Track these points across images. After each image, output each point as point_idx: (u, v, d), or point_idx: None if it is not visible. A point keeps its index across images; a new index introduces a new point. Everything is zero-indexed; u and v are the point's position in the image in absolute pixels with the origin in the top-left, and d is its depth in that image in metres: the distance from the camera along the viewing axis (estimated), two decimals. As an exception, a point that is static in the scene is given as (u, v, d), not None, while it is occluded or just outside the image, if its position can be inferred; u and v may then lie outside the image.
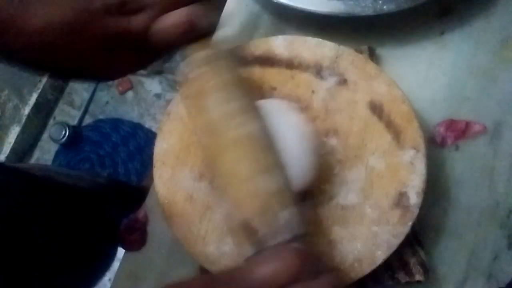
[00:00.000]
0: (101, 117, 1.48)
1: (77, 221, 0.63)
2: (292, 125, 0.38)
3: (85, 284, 0.69)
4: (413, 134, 0.41)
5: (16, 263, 0.50)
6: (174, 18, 0.33)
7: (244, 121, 0.34)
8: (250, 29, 0.53)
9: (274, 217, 0.30)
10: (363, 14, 0.46)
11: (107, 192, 0.82)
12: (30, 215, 0.54)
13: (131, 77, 1.49)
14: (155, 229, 0.51)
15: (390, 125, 0.41)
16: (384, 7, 0.45)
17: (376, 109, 0.42)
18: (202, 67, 0.35)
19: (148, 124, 1.44)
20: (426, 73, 0.49)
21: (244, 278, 0.27)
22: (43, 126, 1.51)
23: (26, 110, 1.43)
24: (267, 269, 0.27)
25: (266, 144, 0.34)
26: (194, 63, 0.35)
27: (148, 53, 0.36)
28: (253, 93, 0.37)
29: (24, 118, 1.43)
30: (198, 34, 0.35)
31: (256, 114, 0.35)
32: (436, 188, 0.45)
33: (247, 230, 0.31)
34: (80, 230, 0.63)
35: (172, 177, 0.43)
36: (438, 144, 0.47)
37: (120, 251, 0.52)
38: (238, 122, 0.33)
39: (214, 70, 0.35)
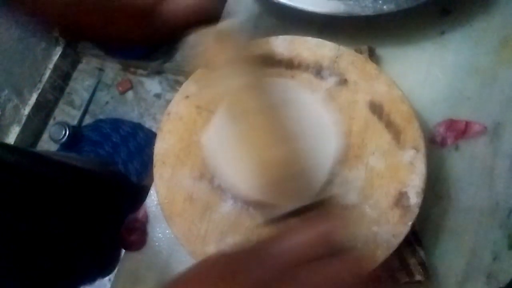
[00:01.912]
0: (101, 117, 1.48)
1: (91, 203, 0.63)
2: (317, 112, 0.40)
3: (99, 270, 0.69)
4: (413, 134, 0.41)
5: (29, 243, 0.51)
6: (183, 1, 0.34)
7: (256, 95, 0.34)
8: (250, 29, 0.53)
9: (286, 186, 0.30)
10: (363, 14, 0.46)
11: (118, 179, 0.82)
12: (44, 196, 0.54)
13: (131, 77, 1.49)
14: (155, 229, 0.50)
15: (390, 125, 0.41)
16: (384, 7, 0.45)
17: (376, 109, 0.42)
18: (211, 44, 0.35)
19: (148, 124, 1.44)
20: (426, 73, 0.49)
21: (261, 255, 0.27)
22: (43, 126, 1.51)
23: (26, 110, 1.43)
24: (284, 246, 0.27)
25: (280, 119, 0.34)
26: (203, 41, 0.35)
27: (154, 32, 0.37)
28: (262, 70, 0.38)
29: (24, 118, 1.43)
30: (205, 19, 0.35)
31: (266, 89, 0.35)
32: (436, 188, 0.45)
33: (261, 203, 0.30)
34: (94, 212, 0.63)
35: (172, 177, 0.43)
36: (438, 144, 0.47)
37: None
38: (250, 96, 0.34)
39: (224, 48, 0.35)
